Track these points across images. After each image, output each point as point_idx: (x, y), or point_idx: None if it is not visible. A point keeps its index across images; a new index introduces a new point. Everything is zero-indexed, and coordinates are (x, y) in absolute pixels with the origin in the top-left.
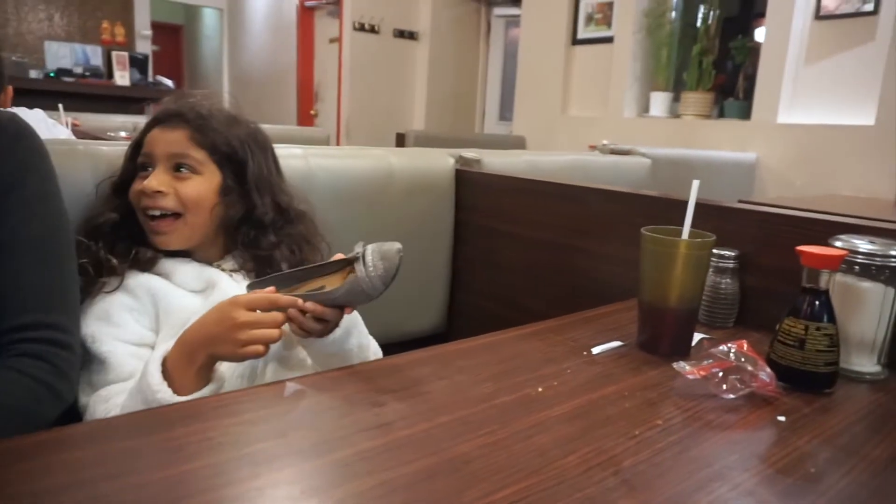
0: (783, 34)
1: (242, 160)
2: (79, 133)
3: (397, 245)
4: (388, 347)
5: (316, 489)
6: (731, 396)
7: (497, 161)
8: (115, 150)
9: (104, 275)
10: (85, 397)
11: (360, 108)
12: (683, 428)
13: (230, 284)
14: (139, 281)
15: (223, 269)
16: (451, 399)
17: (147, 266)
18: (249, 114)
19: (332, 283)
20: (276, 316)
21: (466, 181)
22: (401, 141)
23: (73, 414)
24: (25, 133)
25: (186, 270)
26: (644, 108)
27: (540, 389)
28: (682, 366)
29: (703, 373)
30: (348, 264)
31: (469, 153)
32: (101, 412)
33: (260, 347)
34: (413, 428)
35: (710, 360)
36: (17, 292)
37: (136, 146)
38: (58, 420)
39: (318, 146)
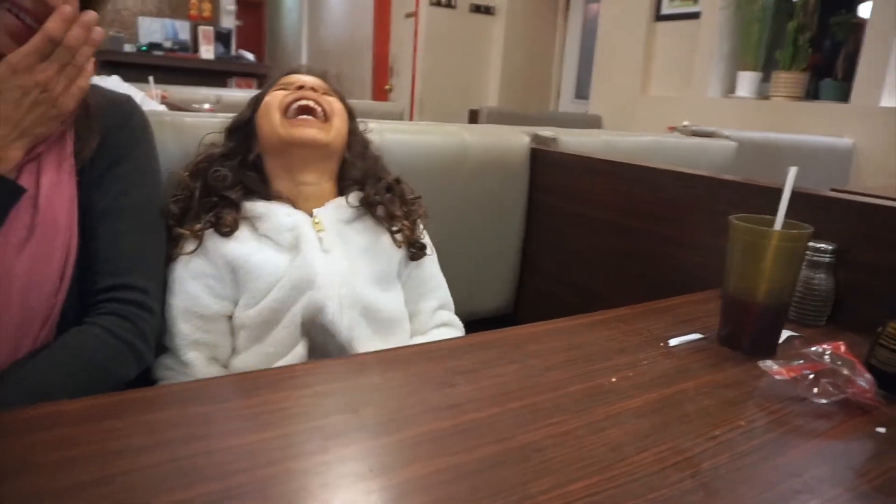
0: (892, 9)
1: (355, 121)
2: (167, 105)
3: None
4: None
5: (383, 468)
6: (823, 401)
7: (573, 140)
8: (199, 121)
9: (182, 233)
10: (157, 351)
11: (434, 83)
12: (768, 432)
13: (315, 251)
14: (216, 245)
15: (316, 223)
16: (521, 384)
17: (229, 233)
18: None
19: None
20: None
21: (541, 160)
22: (474, 117)
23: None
24: (137, 111)
25: (280, 217)
26: (730, 88)
27: (614, 380)
28: (769, 365)
29: (792, 374)
30: None
31: (545, 131)
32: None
33: None
34: (483, 412)
35: (801, 361)
36: (113, 255)
37: (260, 96)
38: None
39: (393, 121)
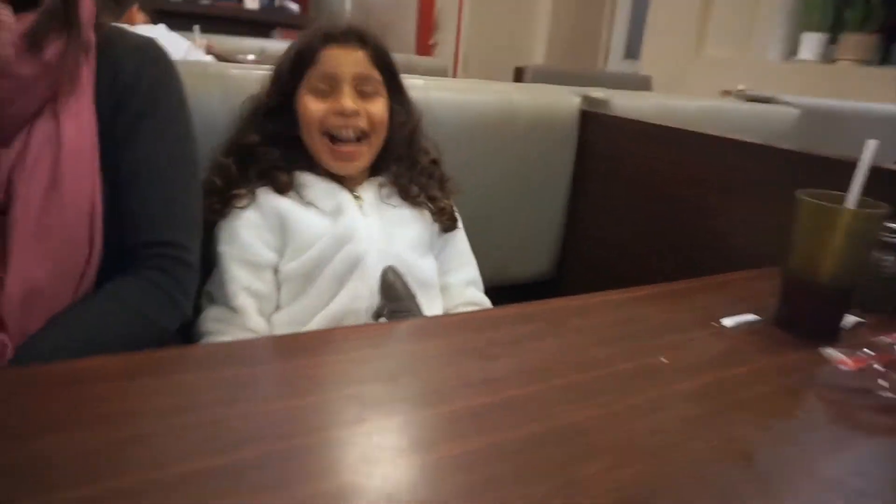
0: None
1: (401, 82)
2: (213, 55)
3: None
4: (494, 291)
5: (424, 443)
6: (892, 396)
7: (625, 103)
8: (244, 73)
9: (236, 194)
10: (204, 304)
11: (479, 39)
12: (829, 424)
13: (356, 214)
14: (268, 199)
15: (356, 196)
16: (565, 360)
17: (284, 190)
18: None
19: None
20: None
21: (591, 123)
22: (519, 75)
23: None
24: (162, 58)
25: (322, 186)
26: (792, 50)
27: (663, 360)
28: (832, 353)
29: (858, 364)
30: None
31: (596, 92)
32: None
33: None
34: (525, 388)
35: (868, 351)
36: (151, 211)
37: (298, 66)
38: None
39: (438, 78)
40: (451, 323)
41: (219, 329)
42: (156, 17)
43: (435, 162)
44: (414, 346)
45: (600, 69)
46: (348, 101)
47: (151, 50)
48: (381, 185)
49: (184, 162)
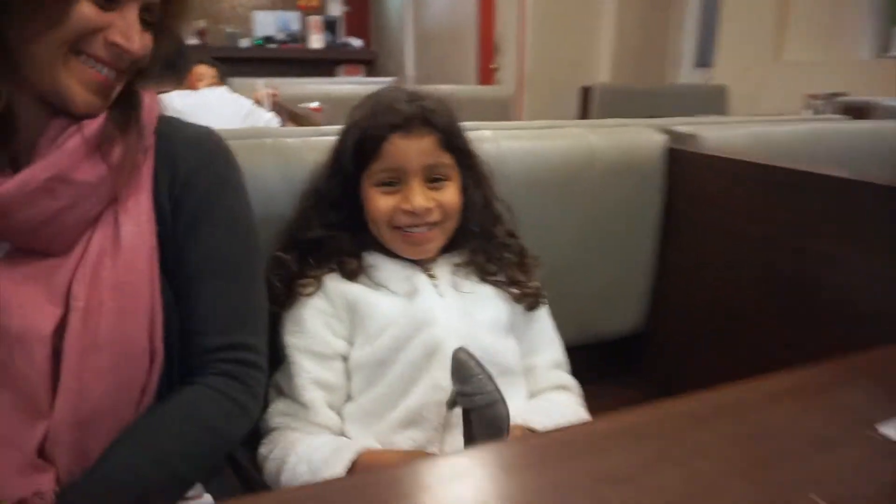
0: None
1: (473, 154)
2: (277, 106)
3: (504, 412)
4: (578, 351)
5: None
6: None
7: (715, 135)
8: (302, 143)
9: (301, 283)
10: (270, 398)
11: (542, 59)
12: None
13: (432, 295)
14: (336, 285)
15: (430, 275)
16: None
17: (353, 276)
18: (433, 73)
19: None
20: None
21: (679, 162)
22: (586, 95)
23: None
24: (219, 151)
25: (394, 268)
26: (884, 46)
27: (814, 498)
28: None
29: None
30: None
31: (682, 127)
32: (277, 457)
33: None
34: None
35: None
36: (216, 314)
37: (360, 158)
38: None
39: (509, 125)
40: (546, 447)
41: (286, 423)
42: (224, 67)
43: (511, 235)
44: (508, 481)
45: (670, 81)
46: (419, 199)
47: (208, 143)
48: (456, 265)
49: (246, 257)
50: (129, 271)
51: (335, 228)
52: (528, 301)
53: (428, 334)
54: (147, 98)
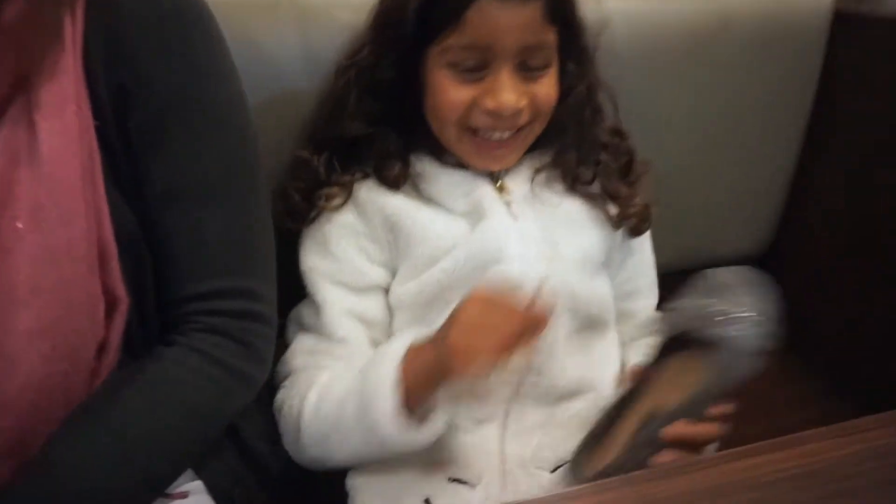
0: None
1: (583, 28)
2: None
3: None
4: (681, 277)
5: None
6: None
7: None
8: (329, 2)
9: (324, 195)
10: (292, 335)
11: None
12: None
13: (503, 217)
14: (372, 196)
15: (499, 187)
16: None
17: (396, 184)
18: None
19: (668, 395)
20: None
21: (849, 29)
22: None
23: None
24: (190, 5)
25: (452, 180)
26: None
27: None
28: None
29: None
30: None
31: None
32: (311, 403)
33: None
34: None
35: None
36: (194, 250)
37: (429, 22)
38: None
39: None
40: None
41: (314, 363)
42: None
43: (617, 133)
44: None
45: None
46: (509, 94)
47: (169, 4)
48: (537, 171)
49: (239, 170)
50: (55, 188)
51: (379, 122)
52: (631, 223)
53: (496, 273)
54: None
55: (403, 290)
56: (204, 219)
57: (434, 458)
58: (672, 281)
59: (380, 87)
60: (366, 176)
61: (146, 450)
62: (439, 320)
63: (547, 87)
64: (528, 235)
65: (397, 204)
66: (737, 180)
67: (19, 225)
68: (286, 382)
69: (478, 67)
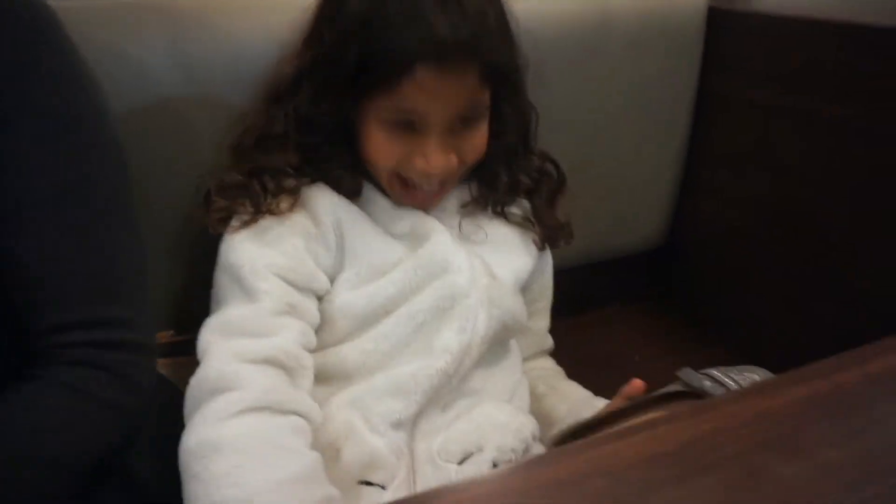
0: None
1: (517, 73)
2: None
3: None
4: (587, 270)
5: None
6: None
7: None
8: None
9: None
10: (206, 337)
11: None
12: None
13: (444, 240)
14: (325, 198)
15: (440, 212)
16: None
17: (350, 194)
18: None
19: None
20: None
21: (724, 26)
22: None
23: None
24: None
25: (392, 209)
26: None
27: None
28: None
29: None
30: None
31: None
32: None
33: None
34: None
35: None
36: (50, 277)
37: (364, 77)
38: None
39: None
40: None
41: (232, 374)
42: None
43: (548, 159)
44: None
45: None
46: (439, 157)
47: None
48: (464, 205)
49: (98, 187)
50: None
51: (316, 151)
52: (551, 240)
53: (444, 282)
54: None
55: (349, 298)
56: (58, 241)
57: (344, 463)
58: (579, 273)
59: (319, 124)
60: (314, 181)
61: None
62: (381, 329)
63: (479, 139)
64: (470, 248)
65: (349, 210)
66: (630, 174)
67: None
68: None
69: (410, 127)
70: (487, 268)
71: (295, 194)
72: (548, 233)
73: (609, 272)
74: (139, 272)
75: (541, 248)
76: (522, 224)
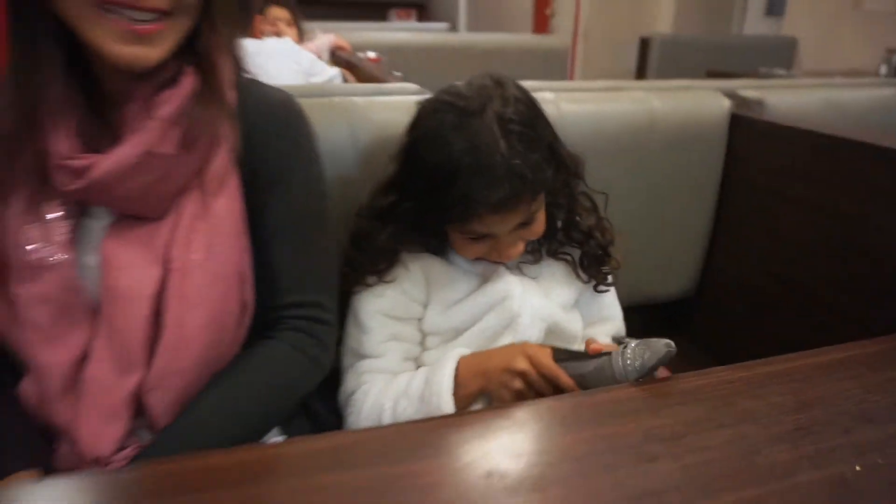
0: None
1: (566, 170)
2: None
3: (666, 341)
4: (631, 311)
5: None
6: None
7: (784, 101)
8: (369, 103)
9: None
10: (347, 361)
11: (600, 6)
12: None
13: (509, 278)
14: (415, 258)
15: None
16: (736, 465)
17: (435, 250)
18: (487, 23)
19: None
20: (546, 386)
21: (743, 129)
22: (645, 47)
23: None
24: (294, 113)
25: (466, 266)
26: None
27: (857, 468)
28: None
29: None
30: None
31: (748, 91)
32: (370, 410)
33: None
34: None
35: None
36: (287, 273)
37: (442, 210)
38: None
39: (570, 88)
40: (602, 403)
41: (364, 382)
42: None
43: (597, 228)
44: (562, 436)
45: (737, 32)
46: (509, 253)
47: (286, 110)
48: (527, 252)
49: (319, 220)
50: (218, 233)
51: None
52: (597, 285)
53: (504, 307)
54: (223, 61)
55: (437, 320)
56: (297, 252)
57: None
58: (628, 312)
59: (419, 222)
60: (409, 250)
61: (254, 409)
62: (459, 341)
63: (539, 226)
64: (527, 285)
65: (432, 261)
66: (668, 236)
67: (195, 257)
68: (348, 402)
69: (483, 236)
70: (542, 295)
71: (398, 260)
72: (590, 274)
73: (646, 314)
74: (334, 271)
75: (584, 283)
76: (570, 264)
